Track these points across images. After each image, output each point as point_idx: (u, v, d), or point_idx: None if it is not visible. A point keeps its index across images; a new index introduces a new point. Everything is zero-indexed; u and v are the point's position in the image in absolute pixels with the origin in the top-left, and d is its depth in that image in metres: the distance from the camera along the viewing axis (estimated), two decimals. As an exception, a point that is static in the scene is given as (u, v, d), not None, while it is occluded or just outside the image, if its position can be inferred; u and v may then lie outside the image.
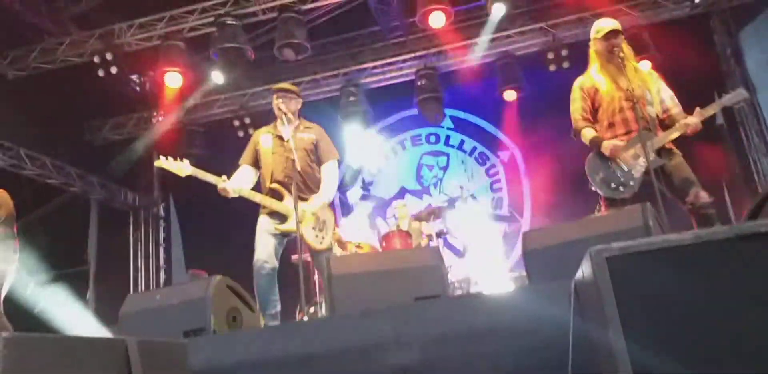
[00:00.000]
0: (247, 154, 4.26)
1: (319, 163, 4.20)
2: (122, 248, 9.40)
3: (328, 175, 4.16)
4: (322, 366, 2.41)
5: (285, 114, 4.07)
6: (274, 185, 4.04)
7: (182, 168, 4.07)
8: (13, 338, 1.48)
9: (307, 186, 4.08)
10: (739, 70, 7.54)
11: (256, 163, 4.21)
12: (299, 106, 4.24)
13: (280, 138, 4.12)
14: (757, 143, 7.36)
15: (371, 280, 3.00)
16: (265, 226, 4.02)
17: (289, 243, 4.09)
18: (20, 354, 1.47)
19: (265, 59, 8.42)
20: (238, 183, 4.10)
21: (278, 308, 3.97)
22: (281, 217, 4.01)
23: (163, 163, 4.10)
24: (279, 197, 4.03)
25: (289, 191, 3.93)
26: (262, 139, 4.21)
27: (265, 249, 3.95)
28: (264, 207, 4.08)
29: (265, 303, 3.90)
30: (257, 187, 4.22)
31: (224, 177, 4.03)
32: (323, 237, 4.04)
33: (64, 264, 8.39)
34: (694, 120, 3.64)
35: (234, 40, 6.94)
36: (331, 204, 4.23)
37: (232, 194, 4.01)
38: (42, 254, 6.89)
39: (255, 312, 3.41)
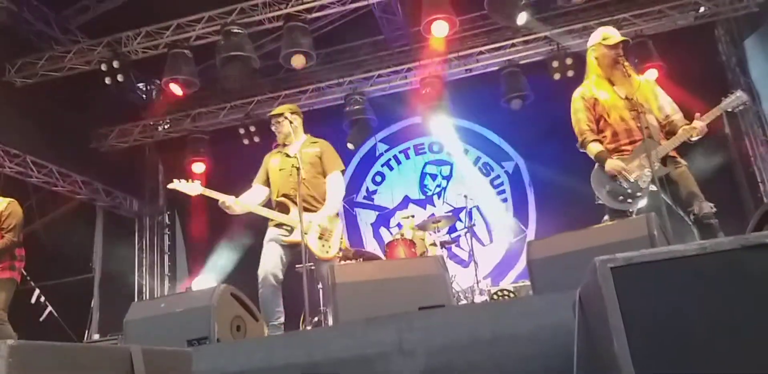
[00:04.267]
0: (259, 175, 4.44)
1: (324, 174, 4.26)
2: (127, 256, 9.42)
3: (333, 186, 4.27)
4: (326, 375, 2.40)
5: (282, 138, 4.36)
6: (281, 199, 4.18)
7: (194, 188, 4.22)
8: (18, 346, 1.48)
9: (313, 197, 4.18)
10: (743, 79, 7.54)
11: (266, 182, 4.37)
12: (296, 123, 4.41)
13: (287, 155, 4.32)
14: (761, 152, 7.35)
15: (375, 289, 3.00)
16: (272, 237, 4.11)
17: (295, 256, 4.14)
18: (25, 362, 1.47)
19: (271, 68, 8.46)
20: (247, 200, 4.23)
21: (282, 319, 4.01)
22: (288, 229, 4.07)
23: (176, 185, 4.27)
24: (285, 210, 4.15)
25: (295, 203, 4.09)
26: (271, 160, 4.40)
27: (270, 261, 4.03)
28: (271, 220, 4.16)
29: (270, 314, 3.94)
30: (269, 205, 4.34)
31: (233, 196, 4.16)
32: (330, 247, 4.08)
33: (69, 272, 8.41)
34: (700, 123, 3.60)
35: (240, 49, 6.99)
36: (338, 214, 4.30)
37: (237, 209, 4.14)
38: (47, 261, 6.92)
39: (259, 321, 3.41)
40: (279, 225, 4.13)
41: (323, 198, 4.23)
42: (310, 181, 4.16)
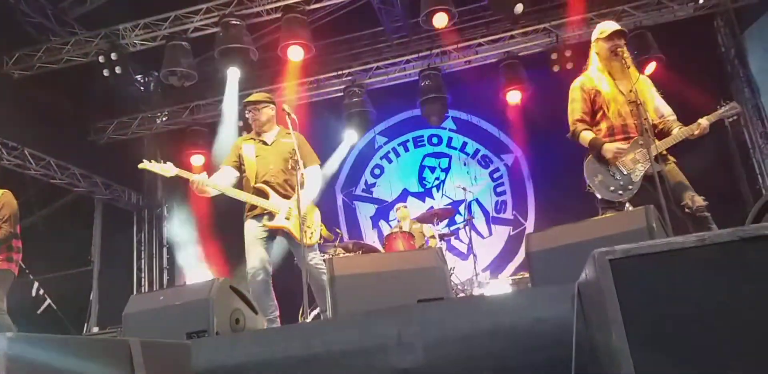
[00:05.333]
0: (229, 158, 4.39)
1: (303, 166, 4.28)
2: (126, 248, 9.43)
3: (313, 177, 4.29)
4: (325, 368, 2.40)
5: (259, 125, 4.32)
6: (259, 185, 4.16)
7: (166, 169, 4.15)
8: (17, 338, 1.48)
9: (290, 185, 4.19)
10: (742, 71, 7.53)
11: (238, 167, 4.33)
12: (272, 112, 4.39)
13: (264, 143, 4.32)
14: (761, 145, 7.35)
15: (374, 282, 3.00)
16: (252, 231, 4.11)
17: (279, 244, 4.18)
18: (24, 354, 1.47)
19: (269, 59, 8.44)
20: (219, 180, 4.19)
21: (276, 312, 4.01)
22: (269, 215, 4.08)
23: (147, 165, 4.19)
24: (264, 196, 4.13)
25: (274, 190, 4.12)
26: (245, 146, 4.35)
27: (257, 256, 4.03)
28: (249, 211, 4.18)
29: (264, 309, 3.94)
30: (239, 188, 4.30)
31: (204, 174, 4.12)
32: (312, 232, 4.11)
33: (68, 265, 8.42)
34: (705, 121, 3.63)
35: (238, 41, 6.96)
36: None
37: (209, 190, 4.08)
38: (46, 254, 6.91)
39: (257, 314, 3.41)
40: (257, 216, 4.12)
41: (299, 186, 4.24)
42: (288, 170, 4.18)
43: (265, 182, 4.15)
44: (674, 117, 3.80)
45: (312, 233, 4.12)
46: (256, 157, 4.25)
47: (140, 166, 4.21)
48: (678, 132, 3.68)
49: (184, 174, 4.10)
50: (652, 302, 1.30)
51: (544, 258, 2.79)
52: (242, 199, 4.13)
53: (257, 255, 4.02)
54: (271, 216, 4.07)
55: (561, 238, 2.80)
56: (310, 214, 4.17)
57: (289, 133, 4.34)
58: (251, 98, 4.39)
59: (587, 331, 1.63)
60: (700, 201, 3.55)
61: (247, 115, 4.41)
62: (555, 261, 2.69)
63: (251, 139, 4.40)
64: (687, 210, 3.55)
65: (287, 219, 4.04)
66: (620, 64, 3.80)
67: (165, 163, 4.18)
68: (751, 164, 7.40)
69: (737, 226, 1.36)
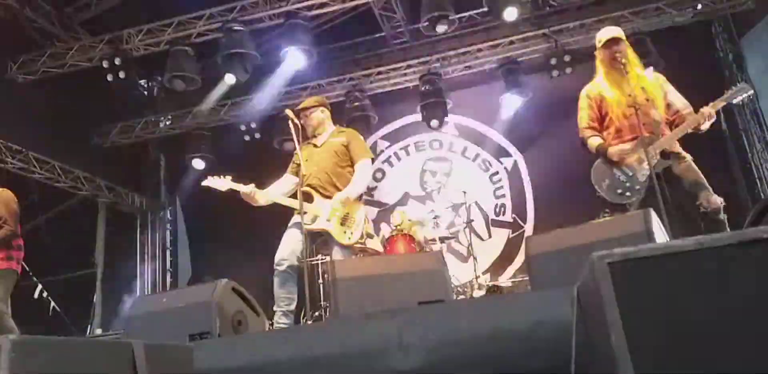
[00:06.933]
0: (291, 165, 4.47)
1: (351, 164, 4.33)
2: (129, 251, 9.45)
3: (358, 173, 4.29)
4: (326, 370, 2.42)
5: (312, 130, 4.40)
6: (305, 189, 4.19)
7: (224, 183, 4.20)
8: (20, 340, 1.49)
9: (334, 186, 4.21)
10: (740, 76, 7.55)
11: (296, 172, 4.38)
12: (323, 114, 4.46)
13: (314, 145, 4.40)
14: (759, 150, 7.37)
15: (375, 284, 3.02)
16: (295, 223, 4.15)
17: (319, 244, 4.20)
18: (27, 357, 1.48)
19: (272, 64, 8.47)
20: (273, 189, 4.28)
21: (292, 306, 4.02)
22: (311, 217, 4.11)
23: (209, 181, 4.23)
24: (309, 199, 4.17)
25: (317, 192, 4.15)
26: (302, 151, 4.40)
27: (287, 247, 4.07)
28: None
29: (278, 299, 3.98)
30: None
31: (252, 185, 4.16)
32: (352, 233, 4.10)
33: (71, 267, 8.44)
34: (708, 109, 3.59)
35: (241, 46, 7.00)
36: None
37: (261, 200, 4.14)
38: (50, 257, 6.94)
39: (260, 316, 3.43)
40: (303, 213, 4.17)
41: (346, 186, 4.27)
42: (333, 170, 4.21)
43: (309, 185, 4.20)
44: (689, 110, 3.76)
45: (352, 233, 4.13)
46: (306, 161, 4.30)
47: (204, 183, 4.26)
48: (683, 125, 3.65)
49: (236, 187, 4.15)
50: (651, 305, 1.30)
51: (544, 261, 2.81)
52: (286, 204, 4.16)
53: (287, 247, 4.06)
54: (314, 218, 4.10)
55: (560, 241, 2.82)
56: (352, 212, 4.16)
57: (343, 131, 4.41)
58: (301, 106, 4.46)
59: (586, 334, 1.64)
60: (716, 202, 3.50)
61: (300, 122, 4.44)
62: (554, 264, 2.71)
63: (308, 143, 4.48)
64: (702, 210, 3.52)
65: (328, 221, 4.05)
66: (619, 70, 3.84)
67: (224, 177, 4.22)
68: (749, 168, 7.41)
69: (736, 230, 1.37)
